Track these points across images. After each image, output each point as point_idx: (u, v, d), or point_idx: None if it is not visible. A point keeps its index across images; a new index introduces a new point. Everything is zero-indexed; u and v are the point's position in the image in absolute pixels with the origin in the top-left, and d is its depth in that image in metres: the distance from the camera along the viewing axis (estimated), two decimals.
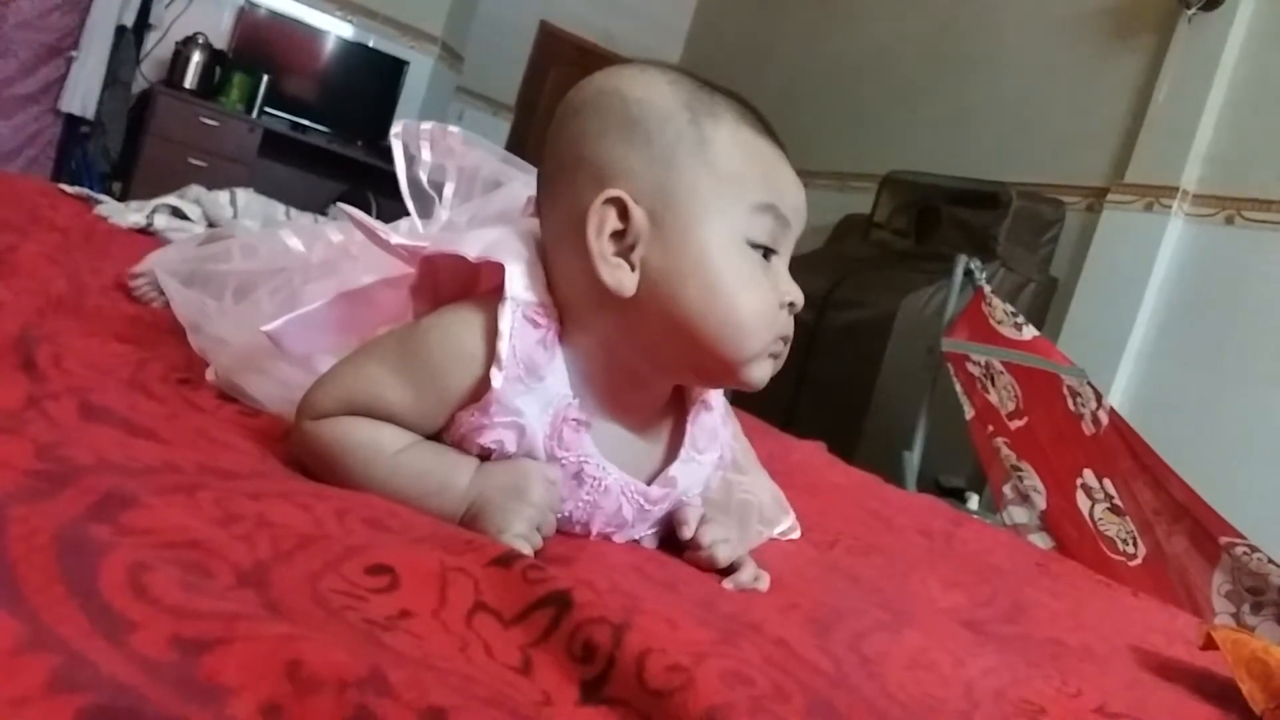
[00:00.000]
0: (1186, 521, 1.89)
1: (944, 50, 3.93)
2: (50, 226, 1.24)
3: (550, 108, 0.65)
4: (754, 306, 0.59)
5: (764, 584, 0.66)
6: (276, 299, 0.76)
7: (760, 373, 0.61)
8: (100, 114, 3.50)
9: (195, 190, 1.60)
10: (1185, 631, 1.02)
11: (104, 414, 0.55)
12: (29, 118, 3.38)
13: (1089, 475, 2.04)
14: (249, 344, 0.70)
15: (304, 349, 0.66)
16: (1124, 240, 3.00)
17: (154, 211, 1.51)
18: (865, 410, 2.88)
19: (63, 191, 1.63)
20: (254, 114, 3.94)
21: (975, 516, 1.68)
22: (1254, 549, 1.78)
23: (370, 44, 4.33)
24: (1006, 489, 2.14)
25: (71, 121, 3.48)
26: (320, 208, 2.22)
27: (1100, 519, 2.01)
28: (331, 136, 4.16)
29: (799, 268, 0.62)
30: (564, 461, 0.61)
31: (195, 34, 3.84)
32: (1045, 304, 3.18)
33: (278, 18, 4.13)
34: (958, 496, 2.56)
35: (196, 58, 3.82)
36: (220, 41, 3.99)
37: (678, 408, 0.68)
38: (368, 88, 4.28)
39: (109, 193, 2.69)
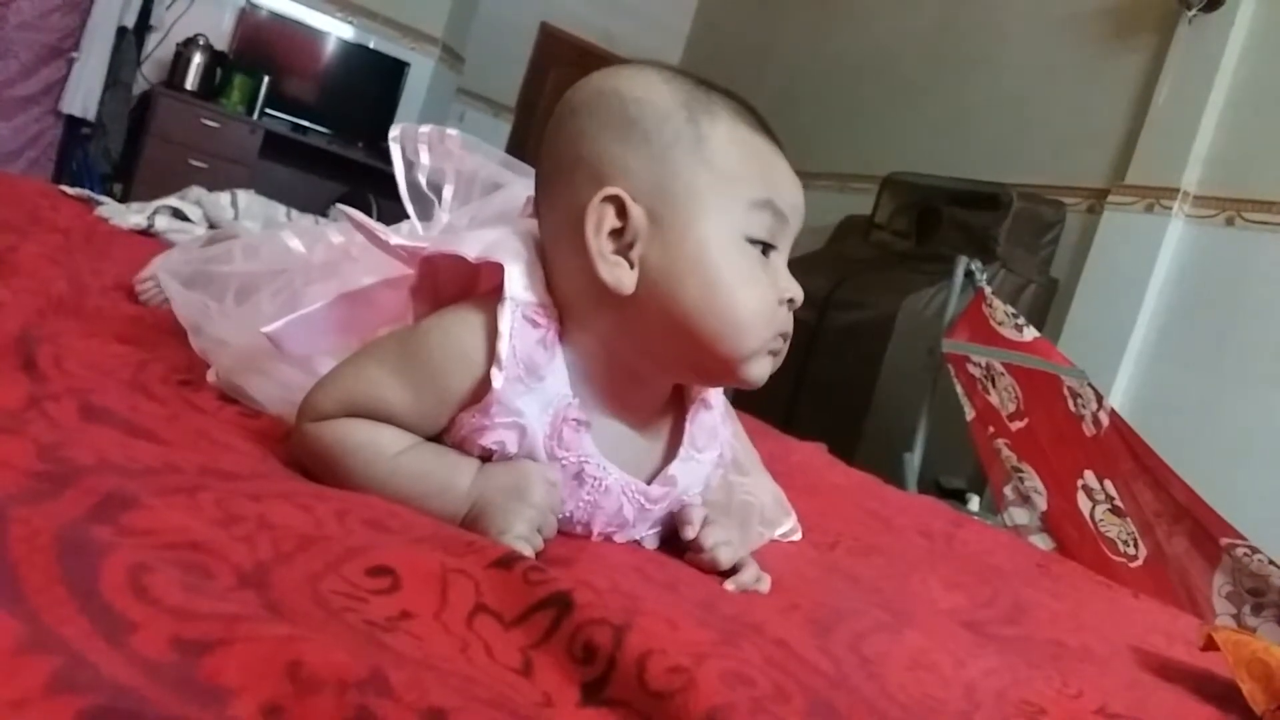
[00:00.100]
0: (1187, 523, 1.89)
1: (944, 50, 3.93)
2: (51, 228, 1.24)
3: (551, 109, 0.65)
4: (753, 303, 0.59)
5: (765, 585, 0.66)
6: (278, 300, 0.76)
7: (760, 370, 0.61)
8: (101, 115, 3.51)
9: (196, 191, 1.60)
10: (1186, 632, 1.02)
11: (105, 415, 0.55)
12: (30, 119, 3.38)
13: (1090, 476, 2.04)
14: (250, 345, 0.70)
15: (304, 350, 0.67)
16: (1124, 241, 3.00)
17: (155, 213, 1.52)
18: (865, 411, 2.88)
19: (64, 193, 1.63)
20: (255, 115, 3.94)
21: (976, 518, 1.68)
22: (1255, 550, 1.78)
23: (371, 45, 4.33)
24: (1007, 490, 2.14)
25: (72, 123, 3.48)
26: (321, 209, 2.22)
27: (1101, 520, 2.01)
28: (332, 138, 4.16)
29: (799, 268, 0.62)
30: (564, 462, 0.61)
31: (196, 35, 3.85)
32: (1046, 305, 3.18)
33: (278, 19, 4.13)
34: (958, 498, 2.55)
35: (197, 59, 3.82)
36: (221, 43, 4.00)
37: (677, 407, 0.68)
38: (368, 89, 4.28)
39: (110, 194, 2.68)
